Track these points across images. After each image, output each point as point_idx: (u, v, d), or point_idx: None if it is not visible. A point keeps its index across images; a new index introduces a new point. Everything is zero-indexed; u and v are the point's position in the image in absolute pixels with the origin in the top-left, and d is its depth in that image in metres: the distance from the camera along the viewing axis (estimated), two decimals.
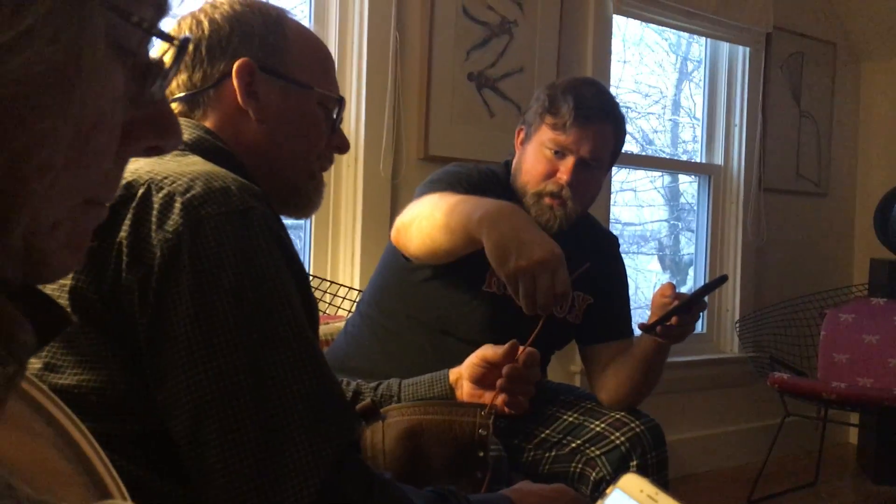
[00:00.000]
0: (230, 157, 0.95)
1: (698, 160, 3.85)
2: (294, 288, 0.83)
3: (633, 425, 1.62)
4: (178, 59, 0.42)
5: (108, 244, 0.78)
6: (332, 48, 2.59)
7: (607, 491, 0.64)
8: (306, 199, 1.06)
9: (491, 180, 1.70)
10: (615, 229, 3.68)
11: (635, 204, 3.93)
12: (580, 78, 1.80)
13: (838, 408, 3.37)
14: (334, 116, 1.06)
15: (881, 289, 3.67)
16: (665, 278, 4.06)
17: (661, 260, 4.07)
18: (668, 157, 3.95)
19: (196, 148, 0.93)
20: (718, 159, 3.81)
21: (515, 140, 1.77)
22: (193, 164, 0.86)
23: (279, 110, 1.00)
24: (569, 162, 1.64)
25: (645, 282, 4.06)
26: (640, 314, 4.07)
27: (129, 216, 0.79)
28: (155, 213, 0.79)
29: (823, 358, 3.50)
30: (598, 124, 1.66)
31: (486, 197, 1.41)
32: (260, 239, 0.81)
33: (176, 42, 0.42)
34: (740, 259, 3.77)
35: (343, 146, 1.09)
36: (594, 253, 1.73)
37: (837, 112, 4.18)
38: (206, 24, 0.99)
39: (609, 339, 1.78)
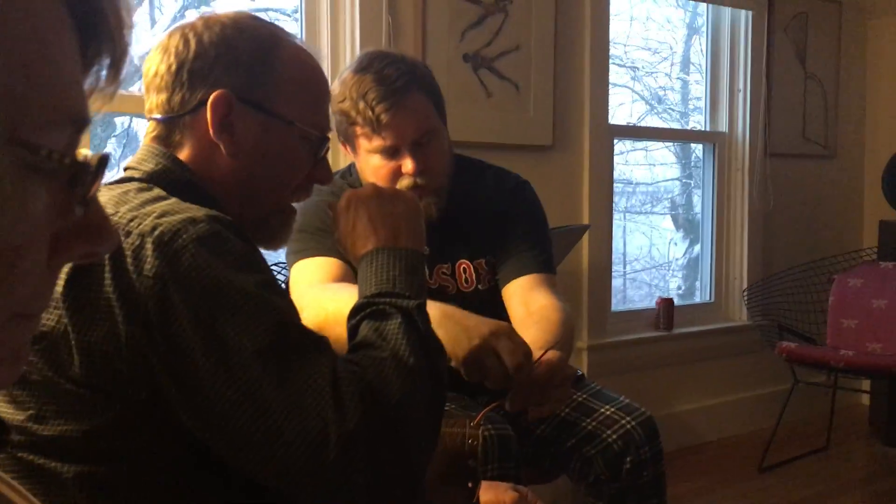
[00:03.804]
0: (197, 189, 0.94)
1: (702, 128, 3.81)
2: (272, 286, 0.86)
3: (623, 422, 1.61)
4: (100, 169, 0.42)
5: (96, 297, 0.80)
6: (324, 34, 2.57)
7: None
8: (271, 232, 1.04)
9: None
10: (627, 189, 3.66)
11: (647, 163, 3.90)
12: (353, 69, 1.54)
13: (848, 375, 3.36)
14: (316, 153, 1.03)
15: (890, 252, 3.64)
16: (678, 237, 4.04)
17: (675, 219, 4.06)
18: (678, 114, 3.91)
19: (161, 180, 0.93)
20: (723, 126, 3.77)
21: (344, 151, 1.65)
22: (154, 202, 0.86)
23: (255, 144, 0.98)
24: (404, 155, 1.53)
25: (660, 239, 4.05)
26: (655, 274, 4.07)
27: (108, 268, 0.80)
28: (130, 259, 0.80)
29: (832, 324, 3.49)
30: (404, 103, 1.50)
31: None
32: (235, 254, 0.83)
33: (94, 159, 0.41)
34: (747, 226, 3.75)
35: (324, 179, 1.06)
36: (490, 202, 1.69)
37: (844, 73, 4.12)
38: (193, 44, 0.95)
39: (517, 277, 1.65)
